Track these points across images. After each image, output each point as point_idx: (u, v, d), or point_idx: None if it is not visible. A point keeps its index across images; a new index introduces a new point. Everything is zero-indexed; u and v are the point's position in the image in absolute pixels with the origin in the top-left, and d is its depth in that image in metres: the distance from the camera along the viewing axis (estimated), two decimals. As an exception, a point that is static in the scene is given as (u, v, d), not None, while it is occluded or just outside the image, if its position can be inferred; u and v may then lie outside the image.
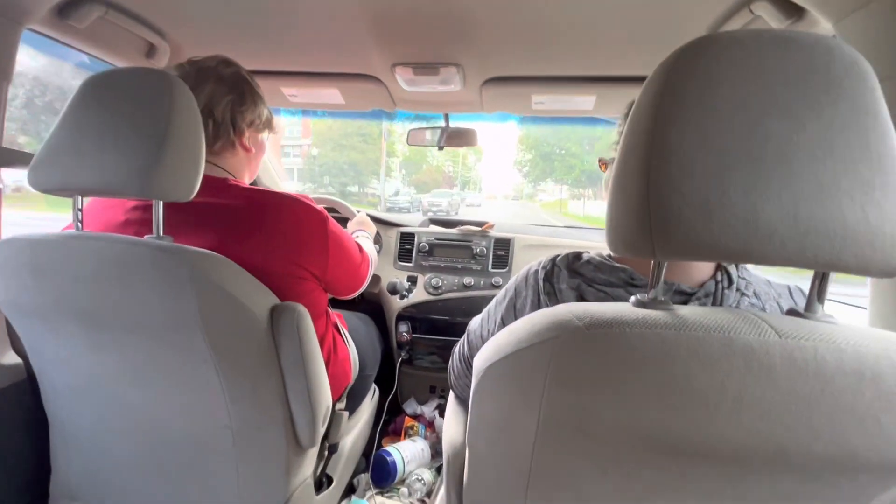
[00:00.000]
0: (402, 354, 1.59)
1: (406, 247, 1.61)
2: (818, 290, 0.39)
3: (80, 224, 0.68)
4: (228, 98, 0.79)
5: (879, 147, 0.33)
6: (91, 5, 0.81)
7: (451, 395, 0.92)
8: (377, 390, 1.34)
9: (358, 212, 1.53)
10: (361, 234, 1.27)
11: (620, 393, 0.36)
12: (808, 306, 0.40)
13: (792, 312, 0.40)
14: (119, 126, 0.61)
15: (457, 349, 0.83)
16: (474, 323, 0.77)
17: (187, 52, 1.04)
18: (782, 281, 0.57)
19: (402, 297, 1.52)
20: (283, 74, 1.19)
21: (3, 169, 0.79)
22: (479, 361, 0.45)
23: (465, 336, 0.81)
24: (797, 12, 0.66)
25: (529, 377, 0.39)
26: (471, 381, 0.73)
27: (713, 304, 0.52)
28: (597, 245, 1.57)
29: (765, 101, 0.34)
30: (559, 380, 0.37)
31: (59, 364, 0.73)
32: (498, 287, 1.50)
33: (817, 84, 0.34)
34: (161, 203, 0.65)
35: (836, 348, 0.34)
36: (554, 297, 0.56)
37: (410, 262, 1.59)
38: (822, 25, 0.64)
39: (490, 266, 1.55)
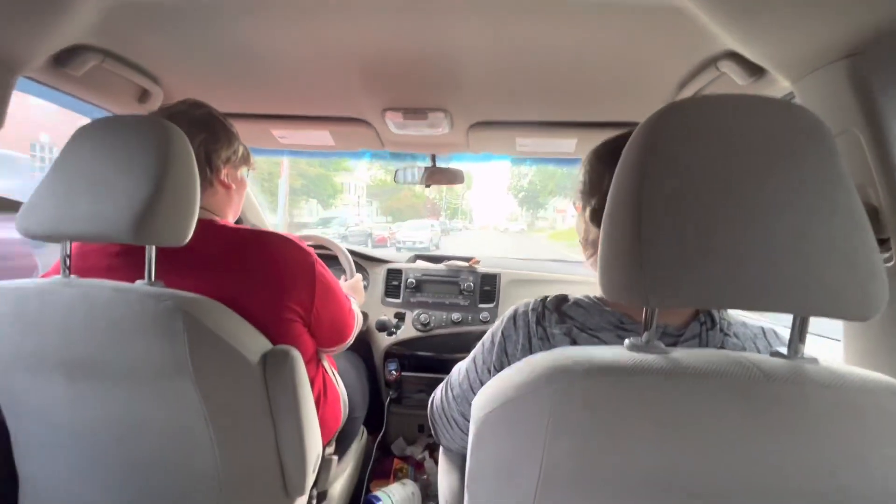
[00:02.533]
0: (391, 394, 1.56)
1: (393, 283, 1.62)
2: (798, 332, 0.42)
3: (67, 270, 0.67)
4: (201, 137, 0.79)
5: (846, 203, 0.37)
6: (88, 54, 0.83)
7: None
8: (365, 432, 1.31)
9: (355, 270, 1.50)
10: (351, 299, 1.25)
11: (620, 438, 0.37)
12: (791, 347, 0.42)
13: (776, 354, 0.42)
14: (114, 172, 0.61)
15: (436, 401, 0.77)
16: (458, 374, 0.72)
17: (179, 97, 1.06)
18: (756, 322, 0.59)
19: (391, 333, 1.51)
20: (275, 118, 1.22)
21: None
22: (478, 408, 0.46)
23: (444, 387, 0.75)
24: (759, 71, 0.72)
25: (530, 424, 0.40)
26: (455, 432, 0.72)
27: (699, 345, 0.54)
28: (585, 279, 1.60)
29: (739, 159, 0.38)
30: (560, 426, 0.38)
31: (35, 416, 0.70)
32: (486, 322, 1.51)
33: (785, 145, 0.38)
34: (154, 248, 0.65)
35: (820, 388, 0.36)
36: (546, 342, 0.57)
37: (398, 299, 1.59)
38: (782, 83, 0.70)
39: (478, 301, 1.57)
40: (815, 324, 0.42)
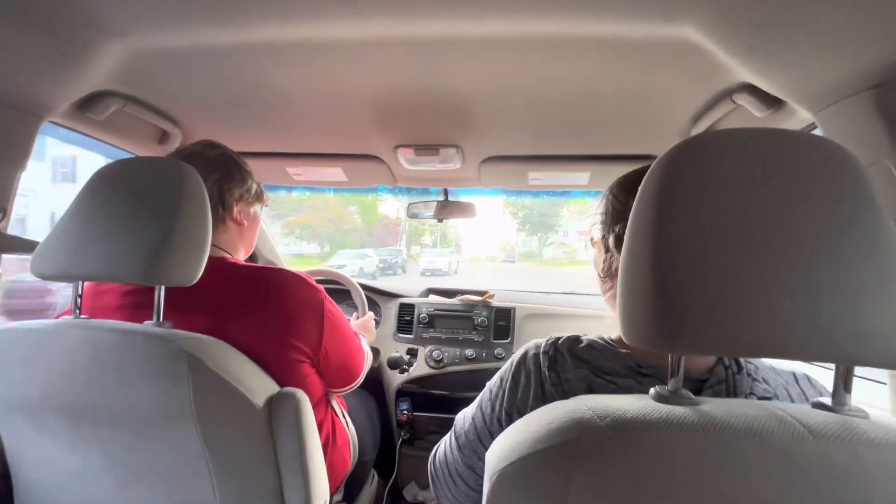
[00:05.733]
0: (403, 434, 1.50)
1: (406, 318, 1.59)
2: (843, 381, 0.38)
3: (78, 311, 0.67)
4: (215, 176, 0.81)
5: (886, 242, 0.34)
6: (111, 99, 0.86)
7: None
8: (376, 476, 1.25)
9: (367, 305, 1.47)
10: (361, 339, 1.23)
11: (650, 500, 0.33)
12: (836, 398, 0.38)
13: (819, 406, 0.38)
14: (127, 213, 0.62)
15: (439, 454, 0.71)
16: (463, 422, 0.66)
17: (198, 138, 1.09)
18: (785, 366, 0.55)
19: (403, 371, 1.48)
20: (290, 156, 1.24)
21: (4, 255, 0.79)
22: (492, 462, 0.43)
23: (449, 439, 0.69)
24: (777, 103, 0.71)
25: (550, 481, 0.36)
26: (459, 489, 0.67)
27: (726, 391, 0.51)
28: (602, 313, 1.55)
29: (765, 195, 0.35)
30: (583, 485, 0.35)
31: (37, 462, 0.68)
32: (501, 359, 1.46)
33: (815, 179, 0.36)
34: (163, 288, 0.64)
35: (876, 449, 0.32)
36: (560, 388, 0.53)
37: (411, 335, 1.56)
38: (802, 115, 0.68)
39: (492, 337, 1.52)
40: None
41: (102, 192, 0.65)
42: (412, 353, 1.52)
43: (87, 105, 0.85)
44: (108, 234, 0.61)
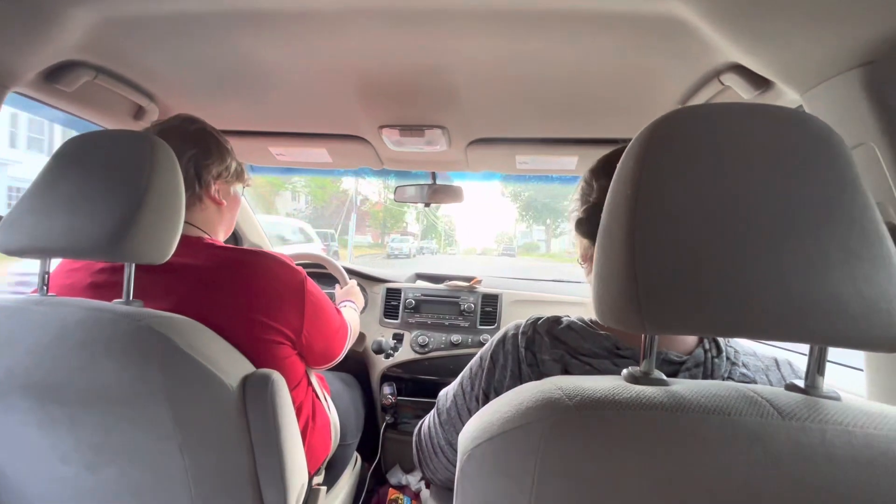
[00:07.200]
0: (387, 418, 1.50)
1: (392, 303, 1.58)
2: (817, 363, 0.37)
3: (45, 288, 0.65)
4: (192, 152, 0.78)
5: (863, 220, 0.33)
6: (81, 70, 0.82)
7: None
8: (359, 459, 1.25)
9: (350, 277, 1.49)
10: (349, 305, 1.23)
11: (617, 480, 0.33)
12: (808, 380, 0.38)
13: (792, 388, 0.38)
14: (95, 186, 0.60)
15: (424, 427, 0.74)
16: (445, 398, 0.68)
17: (175, 113, 1.06)
18: (767, 351, 0.55)
19: (388, 356, 1.47)
20: (272, 134, 1.21)
21: None
22: (464, 442, 0.42)
23: (433, 413, 0.72)
24: (765, 83, 0.70)
25: (518, 462, 0.36)
26: (439, 462, 0.68)
27: (704, 374, 0.50)
28: (587, 301, 1.56)
29: (744, 172, 0.34)
30: (549, 467, 0.34)
31: (4, 442, 0.67)
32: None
33: (795, 156, 0.34)
34: (132, 266, 0.62)
35: (845, 431, 0.32)
36: (536, 369, 0.53)
37: (396, 319, 1.55)
38: (789, 96, 0.67)
39: (478, 323, 1.52)
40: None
41: (69, 165, 0.62)
42: (398, 338, 1.51)
43: (56, 76, 0.81)
44: (73, 209, 0.59)
